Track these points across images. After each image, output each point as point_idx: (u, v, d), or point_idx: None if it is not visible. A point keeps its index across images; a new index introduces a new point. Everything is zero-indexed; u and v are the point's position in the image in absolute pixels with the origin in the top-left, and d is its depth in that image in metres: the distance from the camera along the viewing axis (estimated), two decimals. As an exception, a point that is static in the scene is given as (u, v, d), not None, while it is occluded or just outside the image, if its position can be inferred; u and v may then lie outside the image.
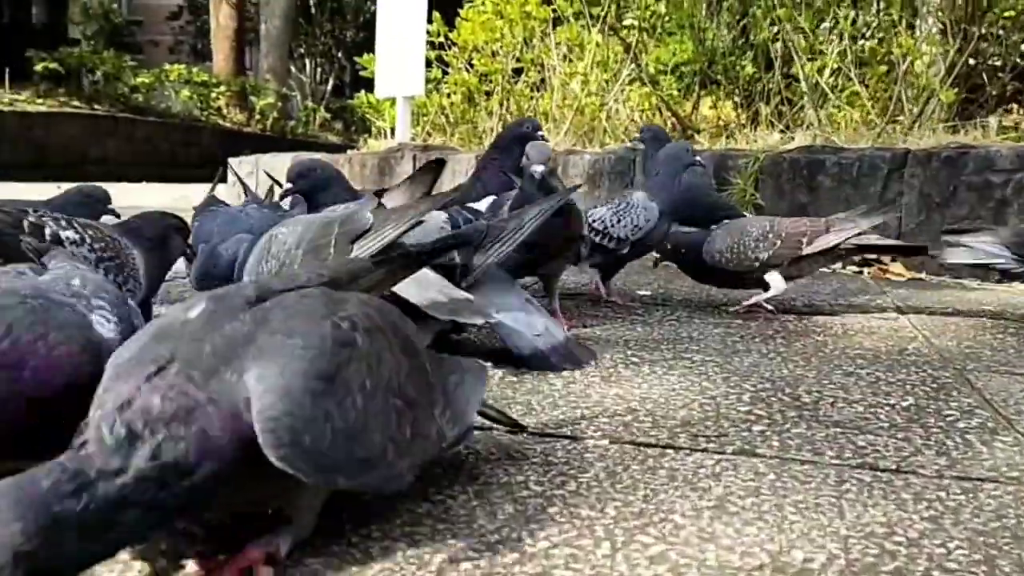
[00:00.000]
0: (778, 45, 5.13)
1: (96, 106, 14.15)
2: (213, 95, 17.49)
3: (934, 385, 1.55)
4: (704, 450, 1.17)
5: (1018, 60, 5.25)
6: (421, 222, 1.57)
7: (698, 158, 2.38)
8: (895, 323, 2.20)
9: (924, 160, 3.20)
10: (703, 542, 0.89)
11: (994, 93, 4.73)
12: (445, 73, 6.64)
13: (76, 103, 13.87)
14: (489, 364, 1.64)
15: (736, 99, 5.51)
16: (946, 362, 1.75)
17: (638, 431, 1.25)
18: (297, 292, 0.89)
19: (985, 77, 5.17)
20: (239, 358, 0.77)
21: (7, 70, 12.89)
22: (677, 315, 2.19)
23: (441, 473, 1.07)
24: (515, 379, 1.53)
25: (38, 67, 13.65)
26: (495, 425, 1.20)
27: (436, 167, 1.98)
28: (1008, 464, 1.14)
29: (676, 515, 0.96)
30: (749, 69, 5.41)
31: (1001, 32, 4.91)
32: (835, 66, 5.00)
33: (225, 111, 17.91)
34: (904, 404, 1.42)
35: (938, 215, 3.16)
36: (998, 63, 5.27)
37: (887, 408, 1.39)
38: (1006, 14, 4.50)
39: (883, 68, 4.70)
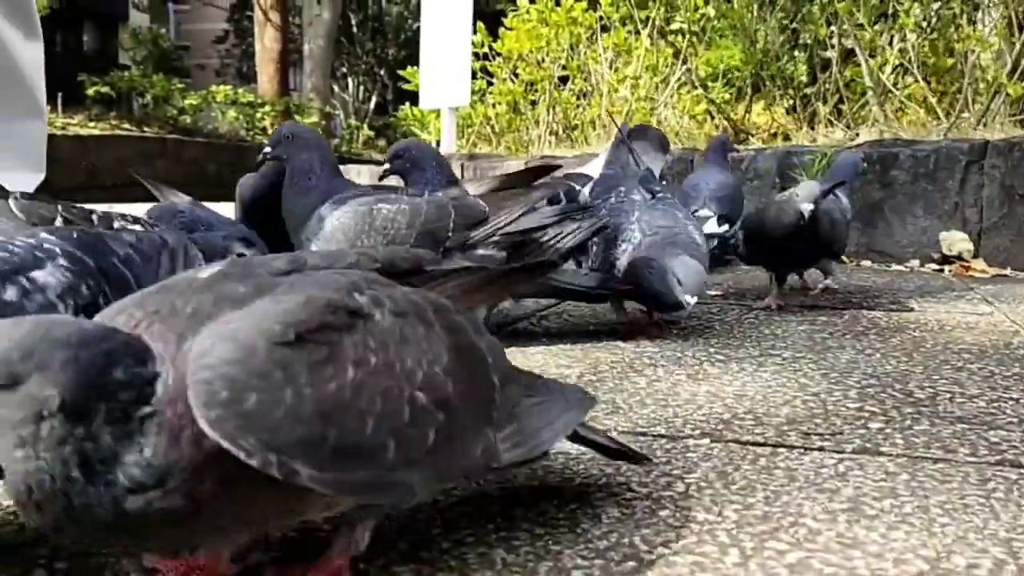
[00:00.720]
0: (834, 43, 4.98)
1: (145, 128, 14.40)
2: (258, 115, 17.71)
3: (1058, 379, 1.41)
4: (820, 449, 1.05)
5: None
6: (534, 209, 1.53)
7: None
8: (991, 318, 2.05)
9: (1005, 151, 3.03)
10: (846, 548, 0.78)
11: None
12: (489, 84, 6.59)
13: (127, 126, 14.13)
14: (567, 363, 1.54)
15: (790, 101, 5.35)
16: (1062, 356, 1.60)
17: (741, 429, 1.13)
18: (333, 270, 0.73)
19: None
20: (210, 318, 0.60)
21: (60, 95, 13.17)
22: (755, 313, 2.07)
23: (530, 472, 0.96)
24: (595, 378, 1.43)
25: (90, 91, 13.95)
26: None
27: (541, 170, 1.87)
28: None
29: (807, 519, 0.84)
30: (803, 69, 5.25)
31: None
32: (896, 62, 4.83)
33: (270, 131, 18.11)
34: (1031, 398, 1.28)
35: (1021, 207, 2.99)
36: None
37: (1011, 402, 1.26)
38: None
39: (950, 61, 4.52)
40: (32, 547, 0.77)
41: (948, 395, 1.30)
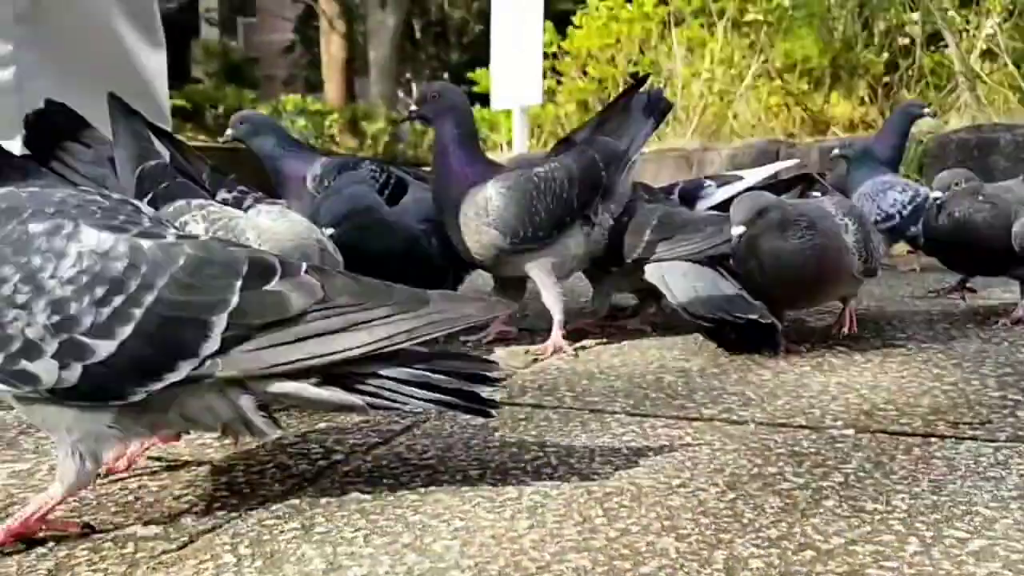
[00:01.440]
0: (916, 28, 4.83)
1: (219, 139, 14.78)
2: (327, 123, 18.01)
3: None
4: (973, 438, 1.02)
5: None
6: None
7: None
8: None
9: (1115, 132, 2.90)
10: (1030, 536, 0.75)
11: None
12: (559, 83, 6.58)
13: (203, 136, 14.52)
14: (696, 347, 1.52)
15: (869, 90, 5.21)
16: None
17: (885, 420, 1.11)
18: None
19: None
20: None
21: (139, 109, 13.60)
22: (865, 303, 2.02)
23: (680, 461, 0.96)
24: (718, 370, 1.41)
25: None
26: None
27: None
28: None
29: (979, 507, 0.82)
30: (882, 61, 5.11)
31: None
32: (984, 47, 4.67)
33: (338, 138, 18.44)
34: None
35: None
36: None
37: None
38: None
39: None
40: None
41: (1096, 383, 1.25)
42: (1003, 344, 1.55)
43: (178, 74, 19.54)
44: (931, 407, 1.16)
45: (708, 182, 1.91)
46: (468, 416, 1.00)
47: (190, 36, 24.80)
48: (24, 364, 0.76)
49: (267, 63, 30.46)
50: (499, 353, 1.57)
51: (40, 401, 0.79)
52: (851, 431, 1.07)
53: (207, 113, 15.97)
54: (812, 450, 1.00)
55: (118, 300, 0.77)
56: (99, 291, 0.76)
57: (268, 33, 30.64)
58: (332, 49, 19.74)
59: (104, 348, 0.76)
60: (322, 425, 1.14)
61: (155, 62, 2.01)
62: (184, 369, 0.78)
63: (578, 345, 1.60)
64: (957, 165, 3.27)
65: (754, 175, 1.92)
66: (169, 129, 1.69)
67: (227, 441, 1.02)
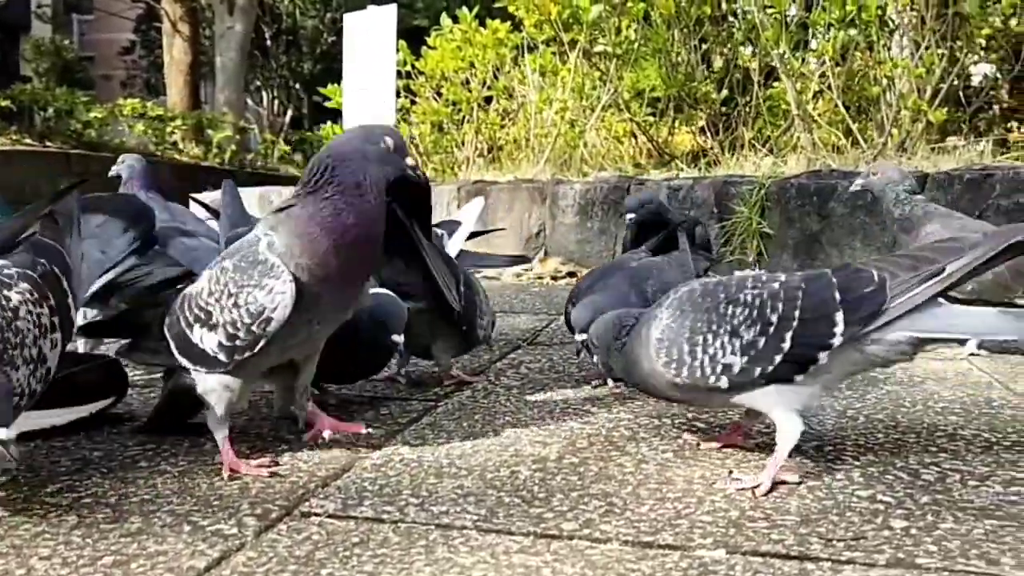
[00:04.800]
0: (755, 67, 5.00)
1: (48, 143, 13.69)
2: (169, 129, 17.08)
3: (1057, 449, 1.35)
4: (851, 562, 0.94)
5: (993, 78, 5.19)
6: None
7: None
8: (958, 365, 2.01)
9: (945, 183, 3.05)
10: None
11: (991, 111, 4.65)
12: (413, 103, 6.44)
13: (28, 140, 13.42)
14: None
15: (709, 124, 5.36)
16: (1047, 416, 1.55)
17: (756, 535, 1.02)
18: None
19: (961, 96, 5.10)
20: None
21: (-45, 110, 12.45)
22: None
23: None
24: (577, 460, 1.29)
25: (-12, 105, 13.20)
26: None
27: None
28: None
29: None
30: (723, 93, 5.26)
31: (981, 52, 4.84)
32: (817, 88, 4.88)
33: (181, 145, 17.53)
34: (1043, 478, 1.21)
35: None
36: (980, 82, 5.22)
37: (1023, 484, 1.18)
38: (984, 32, 4.41)
39: (876, 90, 4.58)
40: None
41: (957, 476, 1.22)
42: (860, 419, 1.52)
43: (4, 72, 18.06)
44: (800, 513, 1.08)
45: (439, 231, 1.93)
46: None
47: (19, 32, 23.01)
48: None
49: (104, 63, 28.73)
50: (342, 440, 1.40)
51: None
52: (722, 552, 0.97)
53: (36, 115, 14.79)
54: (678, 583, 0.89)
55: None
56: None
57: (106, 31, 28.89)
58: (175, 52, 18.78)
59: None
60: None
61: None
62: None
63: (426, 422, 1.46)
64: (797, 211, 3.36)
65: (468, 219, 2.06)
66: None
67: None
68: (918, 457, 1.30)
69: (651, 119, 5.79)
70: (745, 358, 1.19)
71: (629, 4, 5.26)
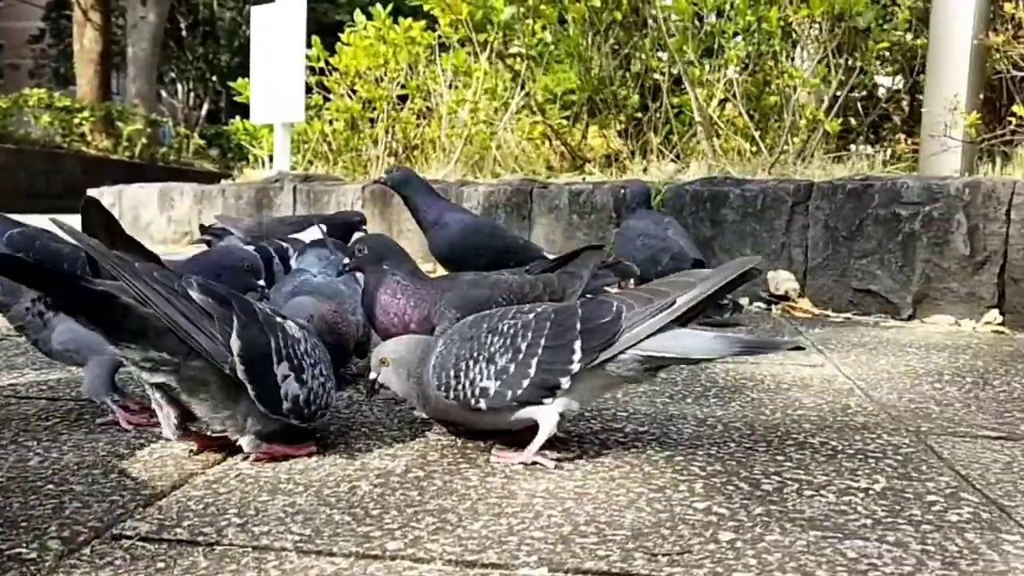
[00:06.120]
0: (664, 75, 5.06)
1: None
2: (76, 121, 16.47)
3: (898, 457, 1.37)
4: (668, 577, 0.94)
5: (894, 89, 5.38)
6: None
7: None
8: (824, 371, 2.05)
9: (829, 193, 3.12)
10: None
11: (883, 123, 4.80)
12: (326, 99, 6.33)
13: (-74, 133, 12.78)
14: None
15: (624, 128, 5.41)
16: (897, 423, 1.59)
17: (582, 551, 1.00)
18: None
19: (860, 107, 5.26)
20: None
21: None
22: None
23: None
24: (423, 474, 1.26)
25: None
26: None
27: None
28: None
29: None
30: (635, 99, 5.32)
31: (878, 64, 5.01)
32: (722, 96, 4.96)
33: (90, 137, 16.92)
34: (877, 488, 1.22)
35: (844, 249, 3.08)
36: (876, 93, 5.40)
37: (861, 495, 1.19)
38: (881, 46, 4.56)
39: (774, 99, 4.68)
40: None
41: (795, 486, 1.23)
42: (718, 428, 1.53)
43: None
44: (632, 527, 1.07)
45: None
46: None
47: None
48: None
49: (10, 51, 27.55)
50: (176, 450, 1.34)
51: None
52: (544, 571, 0.95)
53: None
54: (494, 606, 0.87)
55: None
56: None
57: (14, 19, 27.69)
58: (85, 41, 18.14)
59: None
60: None
61: None
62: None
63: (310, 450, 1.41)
64: (691, 216, 3.40)
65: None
66: None
67: None
68: (763, 467, 1.31)
69: (565, 123, 5.82)
70: (499, 382, 1.31)
71: (543, 7, 5.25)
